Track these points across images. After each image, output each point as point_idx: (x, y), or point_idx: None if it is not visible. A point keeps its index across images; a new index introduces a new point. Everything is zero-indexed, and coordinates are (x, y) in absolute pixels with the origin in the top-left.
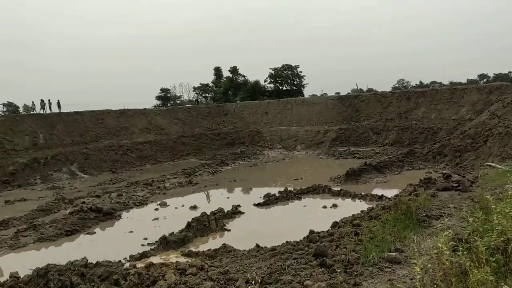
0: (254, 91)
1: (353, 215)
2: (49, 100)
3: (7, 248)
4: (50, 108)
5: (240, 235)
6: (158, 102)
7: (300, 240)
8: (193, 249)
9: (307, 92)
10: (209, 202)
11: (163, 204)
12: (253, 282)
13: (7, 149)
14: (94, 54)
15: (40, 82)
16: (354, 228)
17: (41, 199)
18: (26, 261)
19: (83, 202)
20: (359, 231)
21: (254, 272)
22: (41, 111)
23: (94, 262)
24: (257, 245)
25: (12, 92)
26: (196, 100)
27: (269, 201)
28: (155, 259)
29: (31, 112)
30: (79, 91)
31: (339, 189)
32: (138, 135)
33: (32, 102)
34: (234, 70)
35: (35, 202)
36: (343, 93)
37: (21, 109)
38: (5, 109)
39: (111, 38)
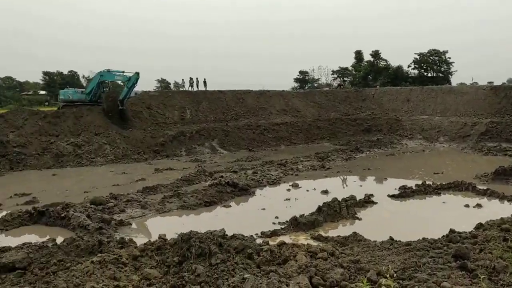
0: (395, 76)
1: (502, 218)
2: (197, 78)
3: (155, 211)
4: (197, 86)
5: (371, 225)
6: (296, 85)
7: (438, 238)
8: (322, 233)
9: (454, 81)
10: (344, 188)
11: (295, 186)
12: (386, 275)
13: (159, 121)
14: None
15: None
16: (502, 233)
17: (185, 170)
18: (170, 225)
19: (221, 176)
20: (509, 236)
21: (387, 265)
22: (190, 88)
23: (229, 234)
24: (391, 238)
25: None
26: (340, 85)
27: (404, 193)
28: (285, 239)
29: (181, 89)
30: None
31: (485, 188)
32: (275, 116)
33: (182, 79)
34: (375, 54)
35: (179, 172)
36: (496, 83)
37: (172, 86)
38: (158, 85)
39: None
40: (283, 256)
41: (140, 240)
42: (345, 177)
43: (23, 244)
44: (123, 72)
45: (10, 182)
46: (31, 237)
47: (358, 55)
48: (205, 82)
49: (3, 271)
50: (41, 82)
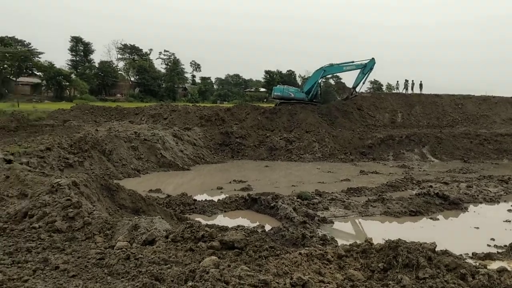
0: None
1: None
2: (412, 81)
3: (357, 213)
4: (412, 89)
5: None
6: None
7: None
8: None
9: None
10: None
11: None
12: None
13: (368, 123)
14: None
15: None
16: None
17: (391, 175)
18: (371, 229)
19: (430, 186)
20: None
21: None
22: (404, 91)
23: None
24: None
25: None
26: None
27: None
28: (502, 265)
29: (393, 91)
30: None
31: None
32: (499, 126)
33: (397, 81)
34: None
35: (385, 177)
36: None
37: (384, 87)
38: (370, 87)
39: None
40: (504, 284)
41: (341, 240)
42: None
43: (238, 226)
44: (352, 62)
45: (231, 168)
46: (244, 221)
47: None
48: (421, 85)
49: (224, 248)
50: (262, 80)
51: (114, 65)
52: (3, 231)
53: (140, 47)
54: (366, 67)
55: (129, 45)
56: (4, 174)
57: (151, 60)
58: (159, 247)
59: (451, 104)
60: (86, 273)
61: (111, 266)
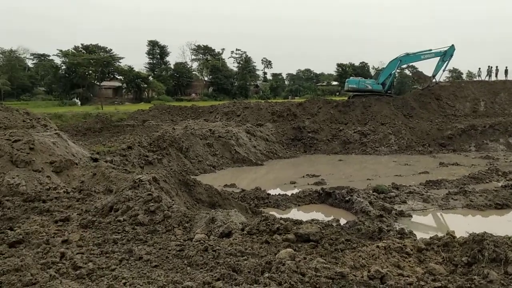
0: None
1: None
2: (496, 67)
3: (437, 206)
4: (496, 75)
5: None
6: None
7: None
8: None
9: None
10: None
11: None
12: None
13: (447, 113)
14: None
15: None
16: None
17: (473, 167)
18: (453, 223)
19: None
20: None
21: None
22: (487, 78)
23: None
24: None
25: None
26: None
27: None
28: None
29: (475, 79)
30: None
31: None
32: None
33: (479, 68)
34: None
35: (467, 168)
36: None
37: (464, 75)
38: (449, 75)
39: None
40: None
41: (420, 234)
42: None
43: (312, 219)
44: (430, 50)
45: (303, 163)
46: (318, 214)
47: None
48: (506, 71)
49: (300, 241)
50: (334, 73)
51: (188, 66)
52: (92, 223)
53: (213, 47)
54: (446, 54)
55: (202, 46)
56: (91, 172)
57: (224, 59)
58: (236, 239)
59: None
60: (167, 263)
61: (190, 257)
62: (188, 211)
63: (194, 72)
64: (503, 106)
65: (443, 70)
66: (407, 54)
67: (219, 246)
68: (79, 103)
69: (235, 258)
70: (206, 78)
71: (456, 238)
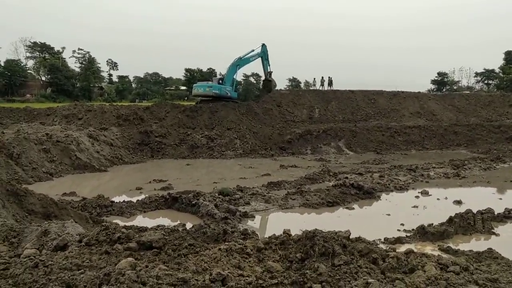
0: None
1: None
2: (329, 77)
3: (278, 206)
4: (329, 85)
5: (511, 243)
6: (433, 87)
7: None
8: (452, 245)
9: None
10: (480, 199)
11: (425, 193)
12: None
13: (287, 119)
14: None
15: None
16: None
17: (309, 168)
18: (292, 221)
19: (346, 178)
20: None
21: None
22: (321, 88)
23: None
24: None
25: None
26: None
27: None
28: (410, 247)
29: (311, 88)
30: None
31: None
32: (408, 119)
33: (314, 78)
34: None
35: (303, 170)
36: None
37: (302, 84)
38: (289, 84)
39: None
40: (410, 265)
41: (262, 233)
42: None
43: (158, 226)
44: (252, 51)
45: (150, 168)
46: (165, 220)
47: (509, 55)
48: (331, 81)
49: (142, 249)
50: (182, 78)
51: (22, 64)
52: None
53: (52, 45)
54: (265, 53)
55: (39, 43)
56: None
57: (64, 58)
58: (72, 252)
59: (364, 99)
60: None
61: (17, 276)
62: (17, 224)
63: (29, 71)
64: (334, 113)
65: (269, 65)
66: (240, 58)
67: (52, 261)
68: None
69: (70, 272)
70: (43, 78)
71: (292, 236)
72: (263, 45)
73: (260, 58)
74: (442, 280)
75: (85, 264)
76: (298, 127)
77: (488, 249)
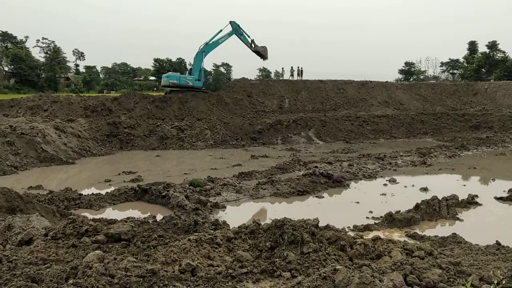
0: None
1: None
2: (298, 67)
3: (249, 196)
4: (298, 75)
5: (473, 228)
6: (400, 76)
7: None
8: (418, 231)
9: None
10: (445, 186)
11: (393, 181)
12: (490, 281)
13: (258, 109)
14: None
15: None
16: None
17: (280, 158)
18: (262, 211)
19: (316, 167)
20: None
21: (491, 271)
22: (290, 78)
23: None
24: (498, 242)
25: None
26: None
27: None
28: (378, 234)
29: (281, 78)
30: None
31: None
32: (376, 108)
33: (282, 68)
34: (492, 45)
35: (274, 160)
36: None
37: (272, 75)
38: (260, 74)
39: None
40: (377, 251)
41: (233, 223)
42: None
43: (127, 218)
44: (220, 31)
45: (119, 160)
46: (134, 212)
47: (472, 46)
48: (301, 71)
49: (111, 241)
50: (151, 68)
51: None
52: None
53: (14, 34)
54: (237, 30)
55: (1, 32)
56: None
57: (28, 48)
58: (37, 246)
59: (333, 89)
60: None
61: None
62: None
63: None
64: (304, 103)
65: (249, 37)
66: (206, 44)
67: (16, 256)
68: None
69: (35, 267)
70: (6, 68)
71: (261, 225)
72: (232, 22)
73: (232, 37)
74: (407, 265)
75: (51, 258)
76: (268, 117)
77: (452, 234)
